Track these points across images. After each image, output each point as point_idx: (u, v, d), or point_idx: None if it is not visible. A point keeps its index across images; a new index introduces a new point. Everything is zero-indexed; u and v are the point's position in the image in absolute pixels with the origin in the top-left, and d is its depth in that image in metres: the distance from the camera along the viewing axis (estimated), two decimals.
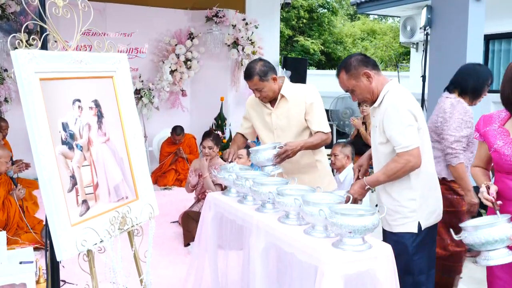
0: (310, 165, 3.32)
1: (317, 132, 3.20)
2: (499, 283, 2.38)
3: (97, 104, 2.25)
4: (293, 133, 3.25)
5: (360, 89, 2.65)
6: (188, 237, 4.52)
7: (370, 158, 2.88)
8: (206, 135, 5.33)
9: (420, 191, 2.60)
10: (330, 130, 3.24)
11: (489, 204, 2.25)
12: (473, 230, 2.07)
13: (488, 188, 2.28)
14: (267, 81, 3.18)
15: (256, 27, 8.01)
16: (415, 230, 2.60)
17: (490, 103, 7.34)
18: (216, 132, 6.97)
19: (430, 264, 2.73)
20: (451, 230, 2.20)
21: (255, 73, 3.17)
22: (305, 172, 3.29)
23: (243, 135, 3.57)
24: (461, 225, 2.17)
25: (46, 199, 1.90)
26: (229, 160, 3.28)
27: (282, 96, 3.24)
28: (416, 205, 2.59)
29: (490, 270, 2.42)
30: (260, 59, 3.27)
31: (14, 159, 5.45)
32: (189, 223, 4.63)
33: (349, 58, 2.70)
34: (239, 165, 3.28)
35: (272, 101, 3.30)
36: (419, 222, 2.60)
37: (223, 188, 4.07)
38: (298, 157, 3.20)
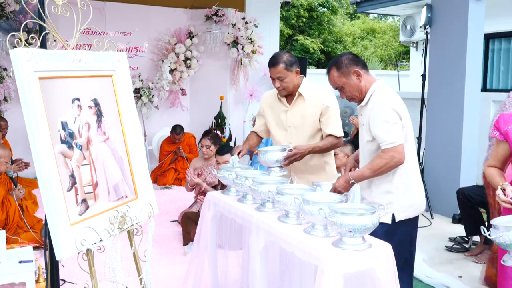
0: (318, 166, 3.33)
1: (329, 135, 3.22)
2: (511, 283, 2.35)
3: (96, 103, 2.25)
4: (306, 132, 3.26)
5: (350, 86, 2.75)
6: (187, 239, 4.52)
7: (355, 159, 2.98)
8: (205, 134, 5.34)
9: (397, 184, 2.69)
10: (342, 135, 3.25)
11: (508, 206, 2.22)
12: (506, 230, 2.02)
13: (504, 190, 2.25)
14: (291, 72, 3.20)
15: (256, 26, 8.00)
16: (388, 221, 2.68)
17: (490, 102, 7.33)
18: (215, 131, 6.98)
19: (400, 256, 2.73)
20: (483, 227, 2.13)
21: (282, 61, 3.19)
22: (312, 173, 3.30)
23: (257, 134, 3.54)
24: (492, 222, 2.10)
25: (46, 198, 1.90)
26: (234, 154, 3.28)
27: (300, 94, 3.25)
28: (392, 198, 2.68)
29: (502, 271, 2.39)
30: (287, 51, 3.33)
31: (13, 158, 5.45)
32: (188, 224, 4.63)
33: (340, 56, 2.80)
34: (239, 164, 3.28)
35: (289, 99, 3.31)
36: (393, 214, 2.68)
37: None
38: (307, 157, 3.22)
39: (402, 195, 2.70)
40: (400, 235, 2.71)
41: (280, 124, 3.35)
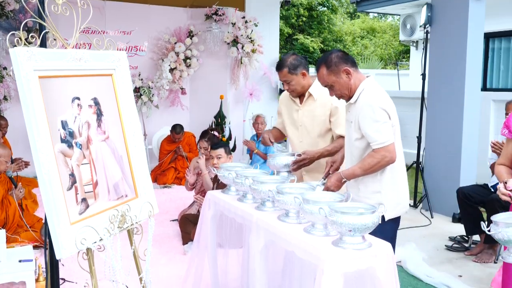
0: None
1: (339, 137, 3.24)
2: None
3: (96, 102, 2.24)
4: (316, 132, 3.30)
5: (340, 85, 2.74)
6: (187, 238, 4.51)
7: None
8: (202, 136, 5.32)
9: (385, 184, 2.70)
10: None
11: (507, 199, 2.22)
12: (505, 227, 2.01)
13: (505, 183, 2.24)
14: (296, 75, 3.24)
15: (256, 25, 8.00)
16: (379, 221, 2.63)
17: (490, 101, 7.34)
18: (212, 132, 6.97)
19: None
20: (483, 223, 2.11)
21: (285, 65, 3.24)
22: (322, 171, 3.30)
23: (278, 130, 3.62)
24: (492, 218, 2.09)
25: (46, 198, 1.90)
26: (267, 140, 3.43)
27: (310, 94, 3.29)
28: (381, 198, 2.68)
29: (507, 269, 2.38)
30: (294, 53, 3.36)
31: (13, 157, 5.44)
32: (186, 225, 4.63)
33: (329, 54, 2.78)
34: (238, 164, 3.27)
35: (301, 98, 3.36)
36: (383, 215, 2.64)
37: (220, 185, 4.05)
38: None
39: (390, 194, 2.71)
40: (389, 234, 2.71)
41: (293, 123, 3.42)
